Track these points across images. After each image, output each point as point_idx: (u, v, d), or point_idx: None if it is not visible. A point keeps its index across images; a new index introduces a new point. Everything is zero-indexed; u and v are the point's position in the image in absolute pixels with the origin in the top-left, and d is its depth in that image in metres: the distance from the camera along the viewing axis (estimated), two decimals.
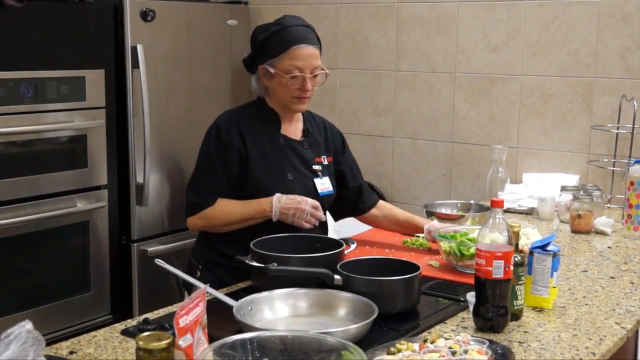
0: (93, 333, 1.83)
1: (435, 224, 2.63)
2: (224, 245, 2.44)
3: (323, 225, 2.58)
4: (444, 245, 2.34)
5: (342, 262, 2.07)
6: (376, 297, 1.84)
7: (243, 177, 2.42)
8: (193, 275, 2.47)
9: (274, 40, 2.41)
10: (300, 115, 2.57)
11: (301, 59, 2.39)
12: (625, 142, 3.32)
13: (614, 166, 3.34)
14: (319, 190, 2.50)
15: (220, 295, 1.96)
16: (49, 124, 3.30)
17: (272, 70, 2.41)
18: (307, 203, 2.37)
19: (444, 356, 1.55)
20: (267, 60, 2.41)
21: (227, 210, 2.41)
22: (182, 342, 1.39)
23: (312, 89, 2.44)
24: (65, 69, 3.34)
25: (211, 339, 1.49)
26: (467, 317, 1.94)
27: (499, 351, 1.66)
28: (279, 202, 2.36)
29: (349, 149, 2.72)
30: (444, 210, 3.03)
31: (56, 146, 3.38)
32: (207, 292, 1.77)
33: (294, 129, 2.54)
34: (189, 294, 2.48)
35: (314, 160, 2.53)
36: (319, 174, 2.52)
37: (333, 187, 2.57)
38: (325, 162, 2.57)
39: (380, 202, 2.78)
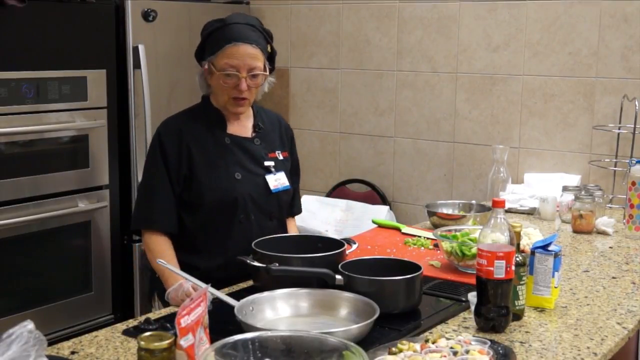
0: (94, 333, 1.83)
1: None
2: (183, 253, 2.36)
3: (281, 224, 2.53)
4: (446, 245, 2.34)
5: (344, 262, 2.07)
6: (378, 297, 1.84)
7: (190, 179, 2.36)
8: (156, 288, 2.41)
9: (213, 37, 2.37)
10: (250, 112, 2.50)
11: (236, 57, 2.32)
12: (627, 142, 3.32)
13: (615, 166, 3.34)
14: (272, 187, 2.43)
15: (221, 295, 1.96)
16: (51, 124, 3.30)
17: (211, 68, 2.37)
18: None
19: (445, 356, 1.55)
20: (208, 57, 2.38)
21: (155, 249, 2.32)
22: (184, 342, 1.39)
23: (248, 90, 2.36)
24: (67, 69, 3.35)
25: (212, 339, 1.49)
26: (468, 317, 1.94)
27: (501, 351, 1.66)
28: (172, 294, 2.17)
29: (296, 150, 2.66)
30: (445, 210, 3.03)
31: (58, 146, 3.38)
32: (209, 292, 1.77)
33: (242, 127, 2.47)
34: (160, 299, 2.40)
35: (267, 156, 2.46)
36: (272, 169, 2.45)
37: (290, 182, 2.51)
38: (280, 157, 2.50)
39: (293, 218, 2.69)
